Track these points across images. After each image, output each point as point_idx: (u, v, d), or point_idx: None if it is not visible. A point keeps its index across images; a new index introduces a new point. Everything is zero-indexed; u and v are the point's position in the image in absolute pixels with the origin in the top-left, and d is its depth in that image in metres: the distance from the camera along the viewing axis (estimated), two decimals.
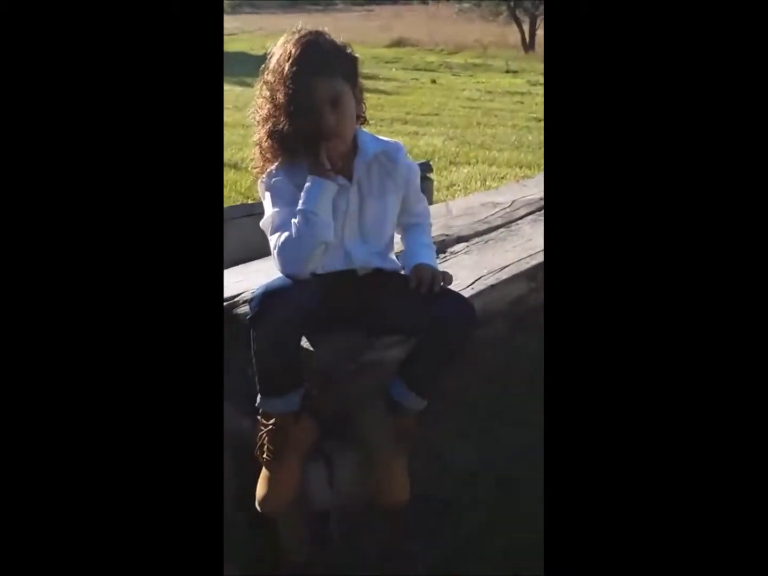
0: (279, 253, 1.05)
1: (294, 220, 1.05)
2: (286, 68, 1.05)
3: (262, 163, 1.12)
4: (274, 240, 1.06)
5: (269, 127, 1.09)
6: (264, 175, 1.12)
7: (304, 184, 1.08)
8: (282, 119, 1.07)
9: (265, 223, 1.09)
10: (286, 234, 1.05)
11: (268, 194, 1.11)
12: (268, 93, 1.09)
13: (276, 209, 1.08)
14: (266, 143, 1.10)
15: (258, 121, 1.11)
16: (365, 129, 1.18)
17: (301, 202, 1.06)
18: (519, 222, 1.69)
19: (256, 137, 1.12)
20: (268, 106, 1.09)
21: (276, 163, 1.11)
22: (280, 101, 1.06)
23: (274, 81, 1.07)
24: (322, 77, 1.07)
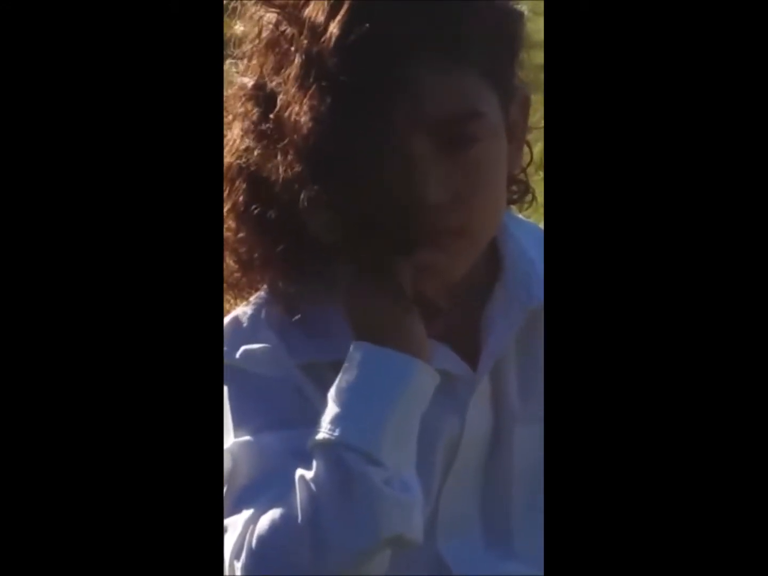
0: (258, 561, 0.50)
1: (304, 474, 0.49)
2: (336, 32, 0.47)
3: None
4: (247, 532, 0.51)
5: (245, 200, 0.52)
6: (227, 321, 0.54)
7: (328, 362, 0.52)
8: (289, 176, 0.49)
9: (228, 474, 0.54)
10: (279, 515, 0.49)
11: (229, 388, 0.54)
12: (254, 107, 0.52)
13: (247, 438, 0.52)
14: (237, 233, 0.53)
15: (227, 177, 0.53)
16: (515, 211, 0.59)
17: (330, 417, 0.49)
18: None
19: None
20: (251, 138, 0.52)
21: (257, 295, 0.55)
22: (295, 126, 0.49)
23: (282, 72, 0.50)
24: (435, 67, 0.48)
